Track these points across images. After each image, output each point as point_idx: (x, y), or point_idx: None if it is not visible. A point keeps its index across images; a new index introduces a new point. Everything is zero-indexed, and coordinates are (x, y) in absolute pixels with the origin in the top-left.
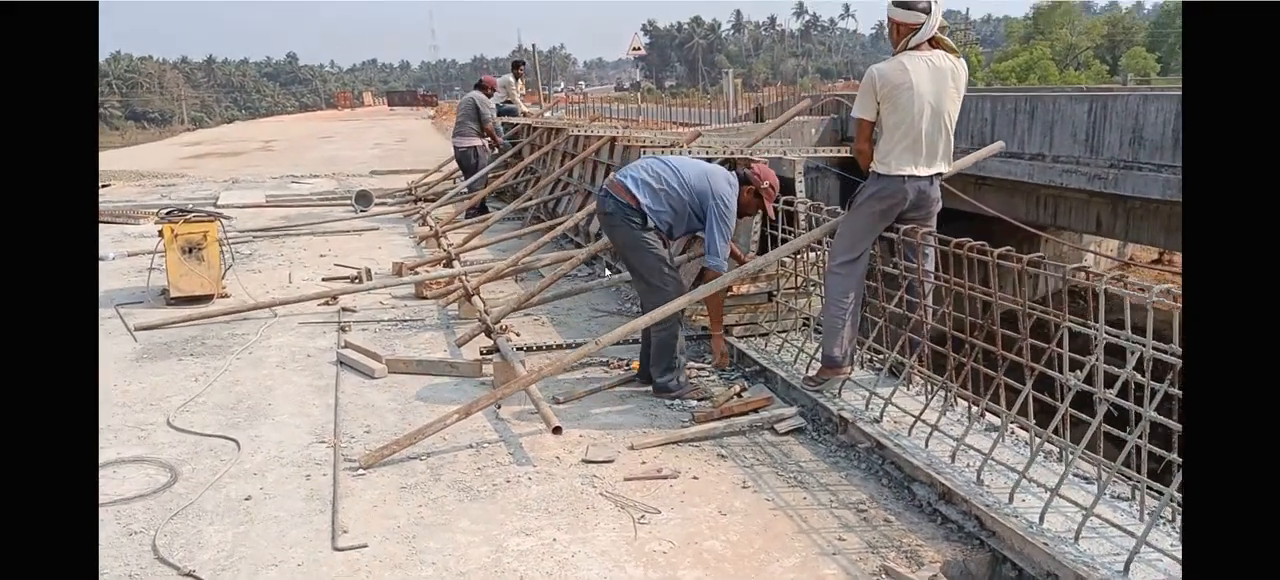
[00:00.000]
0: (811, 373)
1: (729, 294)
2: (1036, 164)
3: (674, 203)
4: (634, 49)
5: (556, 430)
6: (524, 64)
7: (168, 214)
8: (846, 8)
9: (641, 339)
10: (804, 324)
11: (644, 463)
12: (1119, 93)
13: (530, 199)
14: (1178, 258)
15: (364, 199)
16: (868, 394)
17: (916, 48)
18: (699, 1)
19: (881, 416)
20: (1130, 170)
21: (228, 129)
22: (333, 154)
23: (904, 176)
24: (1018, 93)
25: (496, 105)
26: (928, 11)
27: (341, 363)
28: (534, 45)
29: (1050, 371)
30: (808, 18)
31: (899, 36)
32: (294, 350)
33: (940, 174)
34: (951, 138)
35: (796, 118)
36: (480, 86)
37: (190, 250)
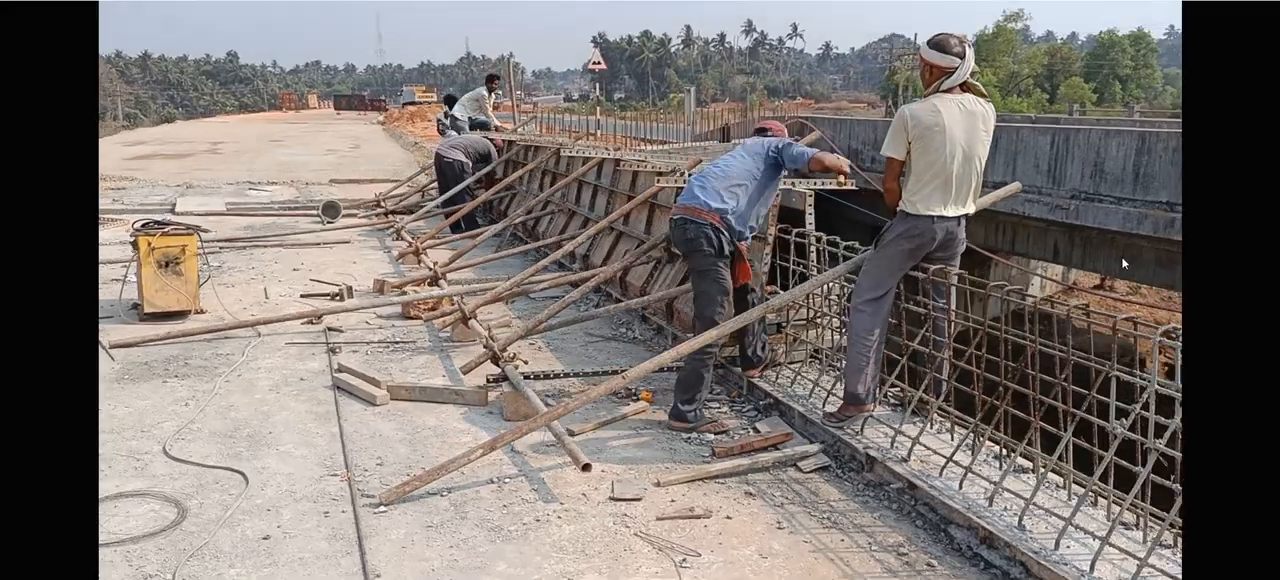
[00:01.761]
0: (831, 408)
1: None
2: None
3: (751, 193)
4: (594, 65)
5: (586, 467)
6: (499, 77)
7: (143, 226)
8: (794, 27)
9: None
10: (814, 356)
11: (673, 501)
12: (1082, 126)
13: (518, 218)
14: (1118, 284)
15: (331, 210)
16: (892, 432)
17: (949, 90)
18: (649, 15)
19: (909, 455)
20: (1091, 201)
21: (169, 129)
22: (286, 159)
23: (933, 217)
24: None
25: (469, 120)
26: (962, 56)
27: (338, 388)
28: (510, 55)
29: (1089, 416)
30: (756, 36)
31: (932, 78)
32: (285, 373)
33: (967, 215)
34: (980, 179)
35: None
36: (489, 81)
37: (167, 264)
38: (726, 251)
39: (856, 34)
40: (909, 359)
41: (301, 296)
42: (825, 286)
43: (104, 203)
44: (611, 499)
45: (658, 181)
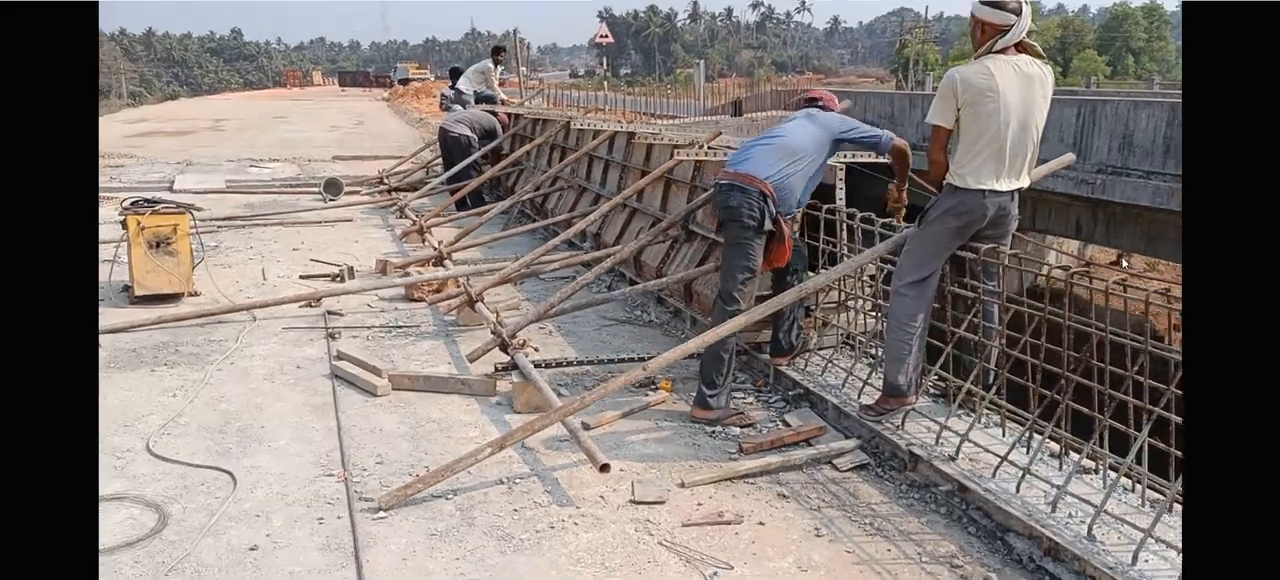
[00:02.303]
0: (868, 400)
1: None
2: None
3: (808, 168)
4: (601, 38)
5: (604, 468)
6: (505, 50)
7: (133, 204)
8: (802, 2)
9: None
10: (846, 342)
11: (699, 504)
12: (1110, 97)
13: (526, 194)
14: (1136, 259)
15: (333, 187)
16: (936, 427)
17: (1002, 51)
18: None
19: (957, 453)
20: (1119, 176)
21: (173, 106)
22: (288, 136)
23: (984, 191)
24: None
25: (475, 93)
26: (1018, 12)
27: (337, 377)
28: (515, 30)
29: (1168, 412)
30: (763, 10)
31: (984, 38)
32: (281, 360)
33: (1020, 189)
34: (1036, 150)
35: (772, 113)
36: (494, 53)
37: (158, 245)
38: (765, 228)
39: (864, 8)
40: (954, 346)
41: (301, 278)
42: (862, 268)
43: (100, 180)
44: (632, 502)
45: (675, 155)
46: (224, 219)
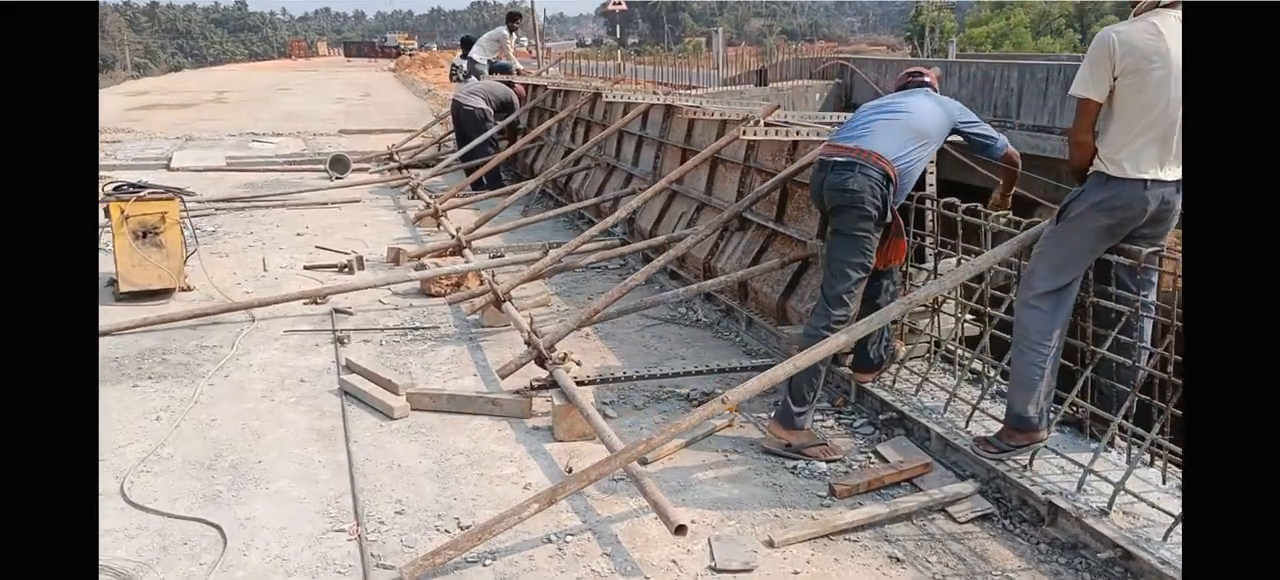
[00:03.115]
0: (980, 428)
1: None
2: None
3: (926, 154)
4: (614, 5)
5: (680, 530)
6: (520, 16)
7: (116, 189)
8: None
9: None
10: (934, 350)
11: (795, 573)
12: None
13: (552, 173)
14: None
15: (339, 164)
16: (1075, 467)
17: (1171, 4)
18: None
19: (1110, 507)
20: None
21: (176, 78)
22: (293, 108)
23: (1145, 180)
24: (1049, 61)
25: (489, 63)
26: None
27: (346, 393)
28: None
29: None
30: None
31: None
32: (282, 371)
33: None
34: None
35: (798, 83)
36: (510, 20)
37: (144, 235)
38: (885, 218)
39: None
40: (1094, 369)
41: (305, 268)
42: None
43: None
44: (712, 570)
45: (738, 132)
46: (222, 201)
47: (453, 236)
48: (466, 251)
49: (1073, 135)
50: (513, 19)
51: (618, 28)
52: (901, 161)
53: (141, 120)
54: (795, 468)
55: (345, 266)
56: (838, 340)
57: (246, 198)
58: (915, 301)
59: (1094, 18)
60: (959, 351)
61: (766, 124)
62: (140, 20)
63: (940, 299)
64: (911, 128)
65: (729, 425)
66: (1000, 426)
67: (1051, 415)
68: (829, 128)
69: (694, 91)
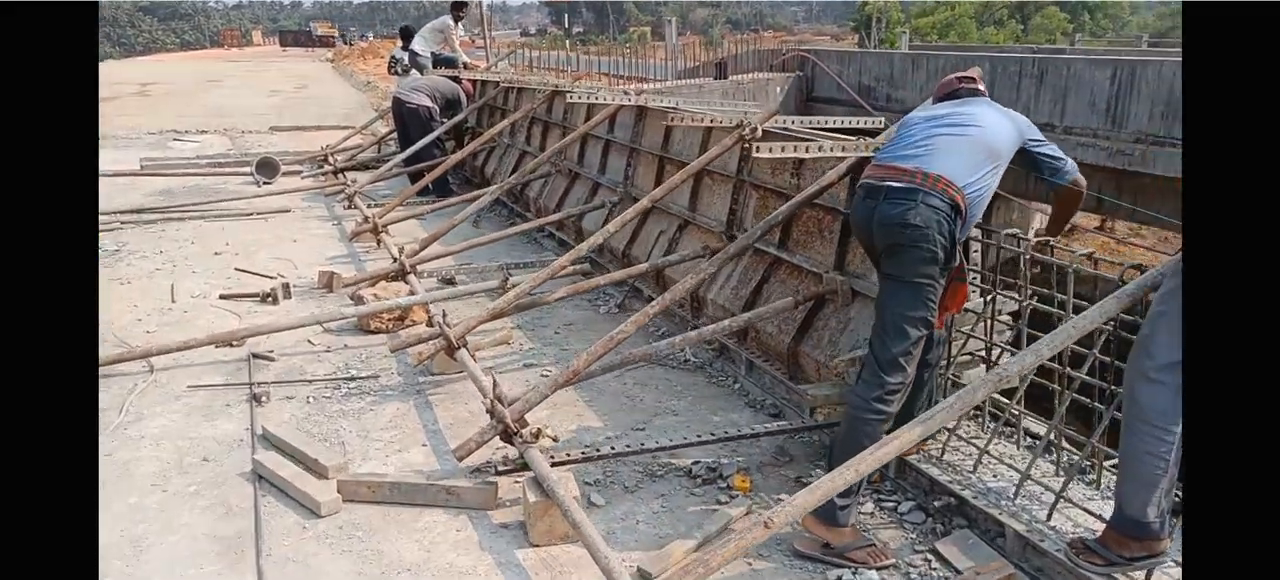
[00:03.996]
0: (1072, 527)
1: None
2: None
3: (998, 178)
4: None
5: None
6: (466, 5)
7: None
8: None
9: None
10: (998, 419)
11: None
12: (1150, 58)
13: (509, 182)
14: (1119, 224)
15: (267, 168)
16: None
17: None
18: None
19: None
20: (1162, 146)
21: (99, 69)
22: (222, 102)
23: None
24: (1022, 54)
25: (432, 55)
26: None
27: (261, 477)
28: None
29: None
30: None
31: None
32: (182, 445)
33: None
34: None
35: (758, 76)
36: (454, 9)
37: None
38: (952, 260)
39: None
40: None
41: (221, 297)
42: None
43: None
44: None
45: (734, 139)
46: (129, 212)
47: (395, 259)
48: (411, 277)
49: None
50: (458, 8)
51: (564, 17)
52: (972, 189)
53: None
54: (842, 577)
55: (268, 295)
56: (912, 436)
57: (160, 208)
58: (1007, 379)
59: (1034, 9)
60: (1021, 414)
61: (764, 131)
62: None
63: (989, 345)
64: (983, 146)
65: (748, 513)
66: (1102, 526)
67: (1174, 519)
68: (841, 136)
69: (648, 85)
